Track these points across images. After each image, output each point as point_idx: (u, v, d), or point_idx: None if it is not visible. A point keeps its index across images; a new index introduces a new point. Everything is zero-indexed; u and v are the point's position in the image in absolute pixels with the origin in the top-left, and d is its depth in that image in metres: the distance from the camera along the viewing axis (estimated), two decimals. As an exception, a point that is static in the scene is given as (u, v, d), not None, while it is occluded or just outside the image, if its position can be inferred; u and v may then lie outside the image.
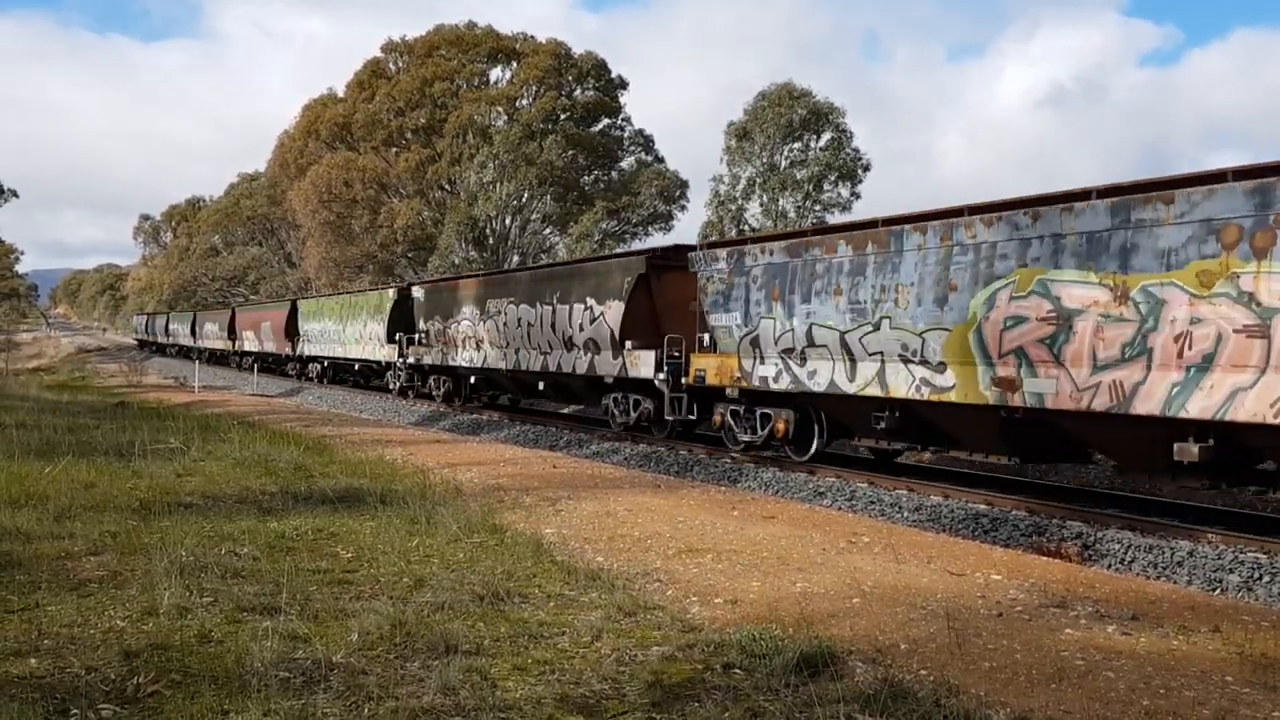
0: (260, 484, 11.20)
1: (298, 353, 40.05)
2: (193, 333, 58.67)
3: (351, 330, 33.28)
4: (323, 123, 51.22)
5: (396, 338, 29.24)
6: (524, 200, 46.76)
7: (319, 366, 37.91)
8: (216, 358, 53.62)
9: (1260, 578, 8.81)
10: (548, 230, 49.46)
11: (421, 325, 27.80)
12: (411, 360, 28.29)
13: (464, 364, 25.11)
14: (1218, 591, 8.71)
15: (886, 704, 4.62)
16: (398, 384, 29.62)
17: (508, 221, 47.70)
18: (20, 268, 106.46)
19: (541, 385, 21.91)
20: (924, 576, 7.55)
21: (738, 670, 5.21)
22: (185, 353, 60.89)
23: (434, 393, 27.40)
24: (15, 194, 73.33)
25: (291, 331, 39.79)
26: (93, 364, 54.35)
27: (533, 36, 49.50)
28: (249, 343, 46.77)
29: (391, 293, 30.72)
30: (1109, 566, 9.60)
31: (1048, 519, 11.11)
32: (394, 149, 49.57)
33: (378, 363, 31.25)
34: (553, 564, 7.60)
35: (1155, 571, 9.37)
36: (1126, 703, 4.90)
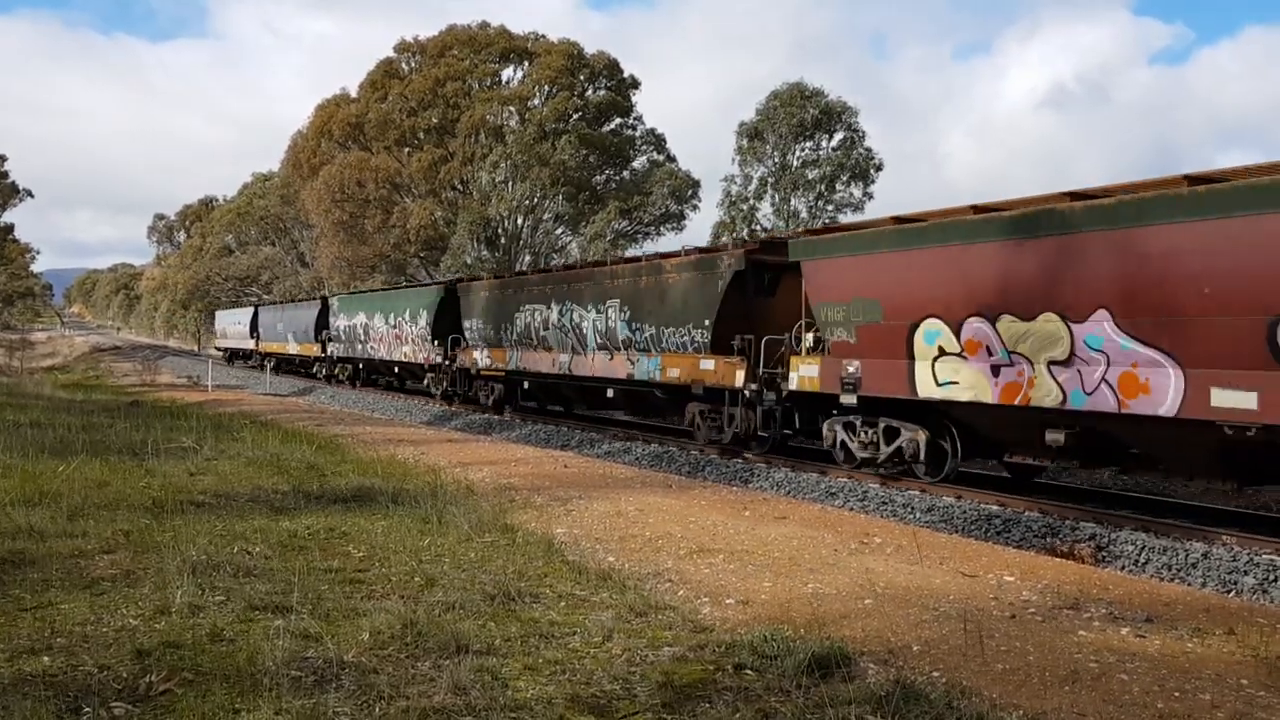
0: (272, 483, 11.23)
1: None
2: (447, 338, 27.97)
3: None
4: (335, 123, 51.31)
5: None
6: (536, 200, 46.81)
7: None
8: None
9: (1275, 580, 8.74)
10: (560, 230, 49.54)
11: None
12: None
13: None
14: (1232, 594, 8.65)
15: (899, 705, 4.61)
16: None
17: (520, 221, 47.76)
18: (36, 267, 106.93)
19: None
20: (936, 578, 7.52)
21: (749, 671, 5.20)
22: (383, 376, 33.51)
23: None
24: (30, 194, 73.97)
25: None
26: (106, 363, 54.59)
27: (545, 36, 49.58)
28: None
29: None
30: (1123, 568, 9.55)
31: (1061, 520, 11.04)
32: (407, 149, 49.63)
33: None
34: (564, 564, 7.60)
35: (1169, 573, 9.30)
36: (1140, 705, 4.87)
